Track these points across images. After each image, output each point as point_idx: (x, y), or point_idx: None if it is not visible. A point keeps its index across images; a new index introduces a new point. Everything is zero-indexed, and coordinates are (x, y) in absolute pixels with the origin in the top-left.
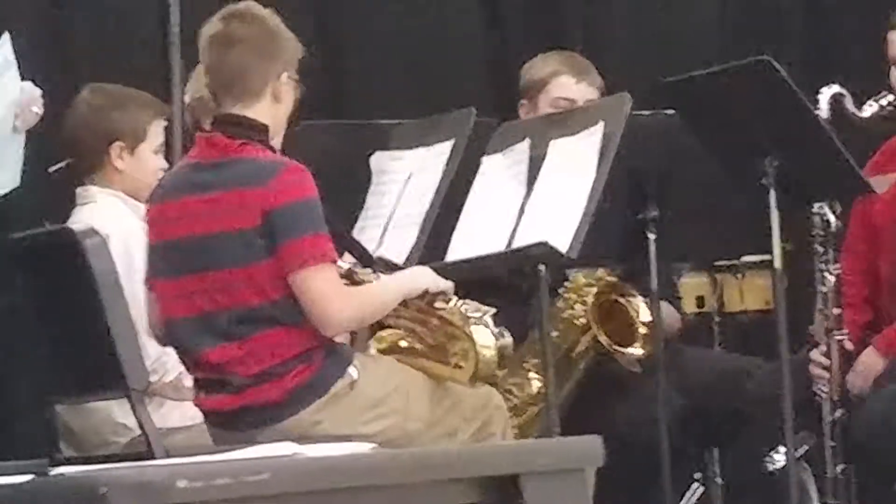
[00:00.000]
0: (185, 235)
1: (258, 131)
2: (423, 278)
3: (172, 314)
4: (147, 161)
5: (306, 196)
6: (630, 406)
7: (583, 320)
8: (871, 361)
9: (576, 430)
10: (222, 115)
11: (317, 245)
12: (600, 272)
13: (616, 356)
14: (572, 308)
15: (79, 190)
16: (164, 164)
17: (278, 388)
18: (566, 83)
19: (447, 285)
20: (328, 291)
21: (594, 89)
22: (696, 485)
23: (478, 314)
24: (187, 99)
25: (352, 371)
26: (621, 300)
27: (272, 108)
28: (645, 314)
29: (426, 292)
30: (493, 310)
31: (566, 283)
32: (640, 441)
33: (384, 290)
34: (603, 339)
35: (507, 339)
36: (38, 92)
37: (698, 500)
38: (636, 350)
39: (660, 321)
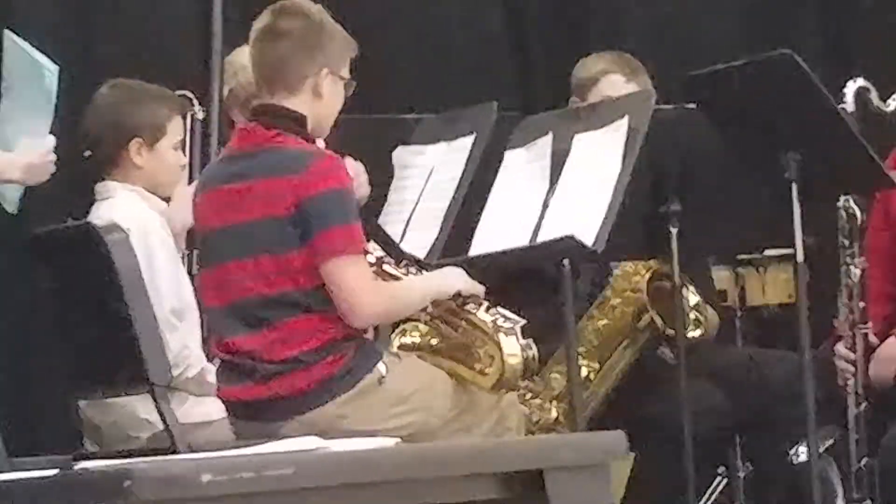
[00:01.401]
0: (222, 225)
1: (295, 121)
2: (456, 280)
3: (210, 303)
4: (166, 157)
5: (340, 186)
6: (657, 399)
7: (633, 307)
8: (893, 351)
9: (604, 422)
10: (262, 105)
11: (349, 235)
12: (651, 261)
13: (670, 338)
14: (621, 296)
15: (98, 185)
16: (184, 160)
17: (306, 377)
18: (616, 81)
19: (479, 289)
20: (359, 283)
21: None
22: (719, 478)
23: (508, 324)
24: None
25: (381, 367)
26: (671, 288)
27: (312, 103)
28: (693, 299)
29: (458, 294)
30: (523, 321)
31: (615, 272)
32: (666, 434)
33: (415, 289)
34: (658, 321)
35: (533, 352)
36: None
37: (721, 492)
38: (693, 332)
39: (687, 308)
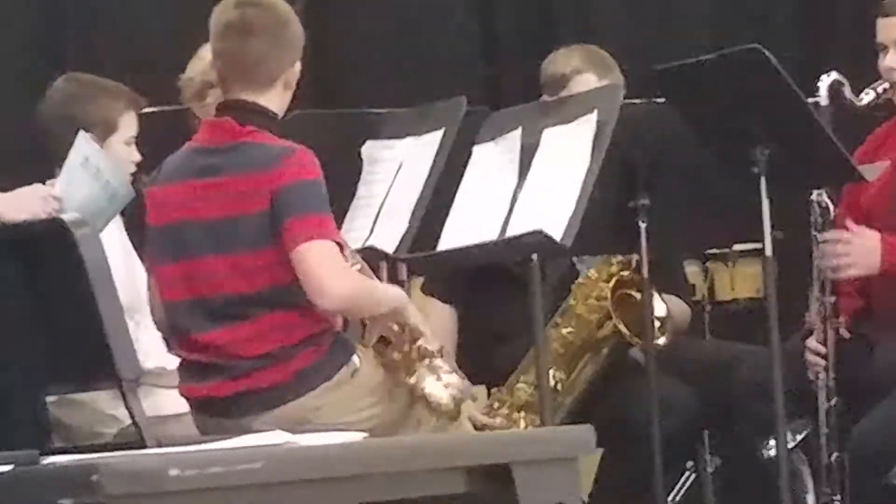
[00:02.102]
0: (187, 219)
1: (268, 118)
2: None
3: (172, 297)
4: (117, 152)
5: (312, 177)
6: (625, 395)
7: (596, 315)
8: (869, 257)
9: (572, 418)
10: (232, 100)
11: (320, 223)
12: (613, 267)
13: (636, 345)
14: (585, 303)
15: (49, 182)
16: (137, 157)
17: (283, 370)
18: (589, 80)
19: (416, 325)
20: (329, 264)
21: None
22: (688, 473)
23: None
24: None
25: (355, 359)
26: (636, 294)
27: (281, 96)
28: (660, 309)
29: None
30: (468, 387)
31: (579, 280)
32: (634, 429)
33: (381, 291)
34: (623, 329)
35: (463, 396)
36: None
37: (690, 488)
38: (659, 340)
39: (651, 309)
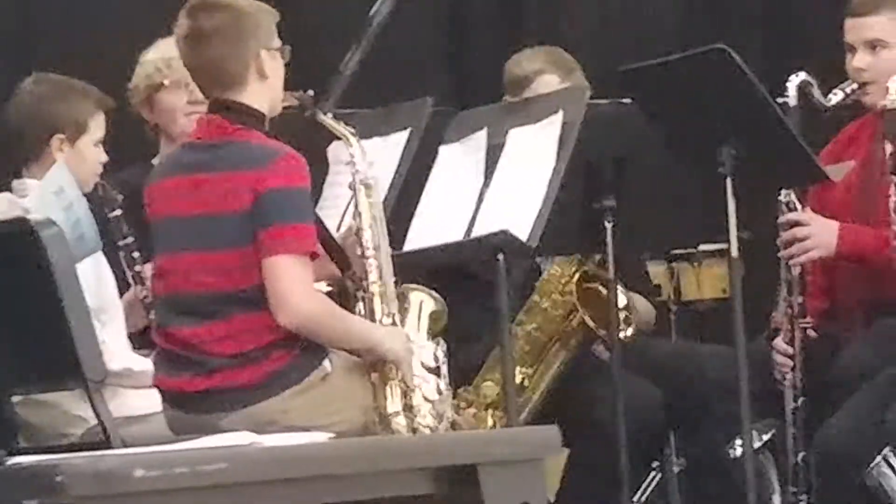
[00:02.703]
0: (171, 215)
1: (255, 118)
2: (396, 346)
3: (157, 291)
4: (87, 154)
5: (298, 184)
6: (590, 395)
7: (562, 310)
8: (827, 236)
9: (538, 418)
10: (220, 99)
11: (299, 234)
12: (575, 264)
13: (602, 338)
14: (550, 298)
15: (15, 183)
16: (105, 158)
17: (255, 371)
18: (550, 82)
19: (409, 365)
20: (295, 281)
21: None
22: (653, 473)
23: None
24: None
25: (326, 363)
26: (600, 288)
27: (262, 86)
28: (622, 300)
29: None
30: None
31: (543, 276)
32: (600, 429)
33: (352, 325)
34: (590, 322)
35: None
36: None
37: (655, 487)
38: (624, 332)
39: (617, 309)
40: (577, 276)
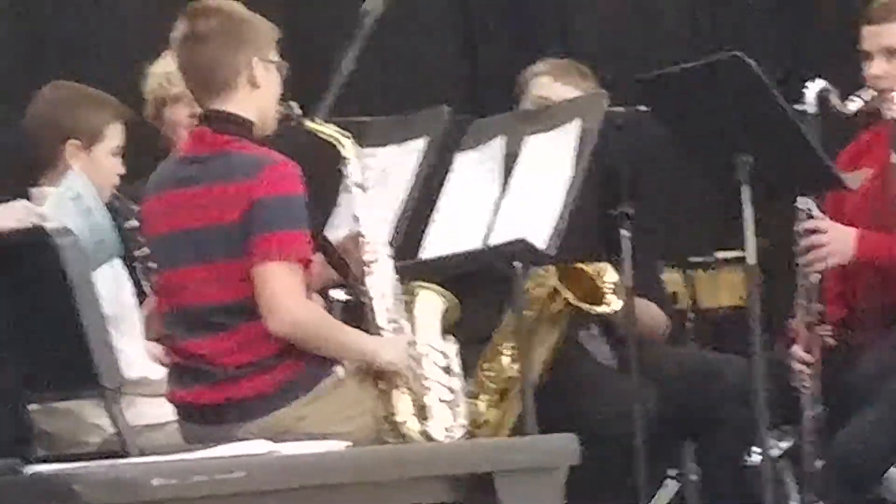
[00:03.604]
0: (172, 229)
1: (243, 127)
2: (392, 355)
3: (162, 307)
4: (102, 162)
5: (290, 192)
6: (604, 402)
7: (548, 287)
8: (844, 243)
9: (551, 426)
10: (208, 110)
11: (290, 242)
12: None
13: (585, 314)
14: (534, 281)
15: (33, 191)
16: (121, 169)
17: (267, 380)
18: (544, 83)
19: (407, 370)
20: (285, 288)
21: (577, 90)
22: (670, 481)
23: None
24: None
25: (339, 370)
26: (582, 265)
27: (252, 96)
28: (611, 275)
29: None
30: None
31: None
32: (614, 437)
33: (344, 336)
34: (569, 295)
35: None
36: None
37: (673, 496)
38: (605, 308)
39: (634, 316)
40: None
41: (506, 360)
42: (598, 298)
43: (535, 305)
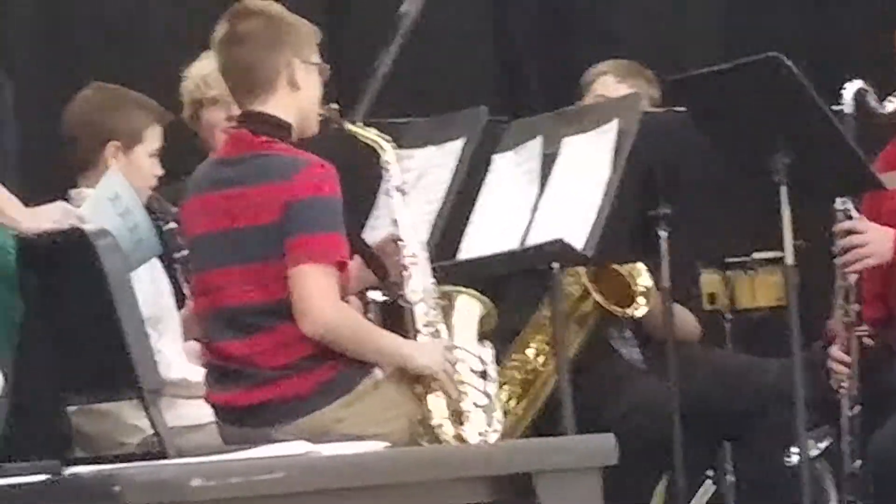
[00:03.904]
0: (209, 231)
1: (281, 129)
2: (429, 360)
3: (199, 308)
4: (141, 164)
5: (326, 194)
6: (641, 404)
7: (579, 287)
8: (882, 244)
9: (587, 428)
10: (246, 112)
11: (325, 244)
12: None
13: (617, 316)
14: (570, 280)
15: (72, 192)
16: (159, 170)
17: (305, 381)
18: (607, 82)
19: (446, 377)
20: (320, 291)
21: (640, 93)
22: (708, 482)
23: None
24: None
25: (377, 371)
26: (614, 266)
27: (291, 97)
28: (645, 278)
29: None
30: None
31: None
32: (652, 439)
33: (380, 340)
34: (599, 297)
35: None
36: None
37: (711, 497)
38: (633, 311)
39: (672, 318)
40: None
41: (531, 352)
42: (628, 301)
43: (566, 303)
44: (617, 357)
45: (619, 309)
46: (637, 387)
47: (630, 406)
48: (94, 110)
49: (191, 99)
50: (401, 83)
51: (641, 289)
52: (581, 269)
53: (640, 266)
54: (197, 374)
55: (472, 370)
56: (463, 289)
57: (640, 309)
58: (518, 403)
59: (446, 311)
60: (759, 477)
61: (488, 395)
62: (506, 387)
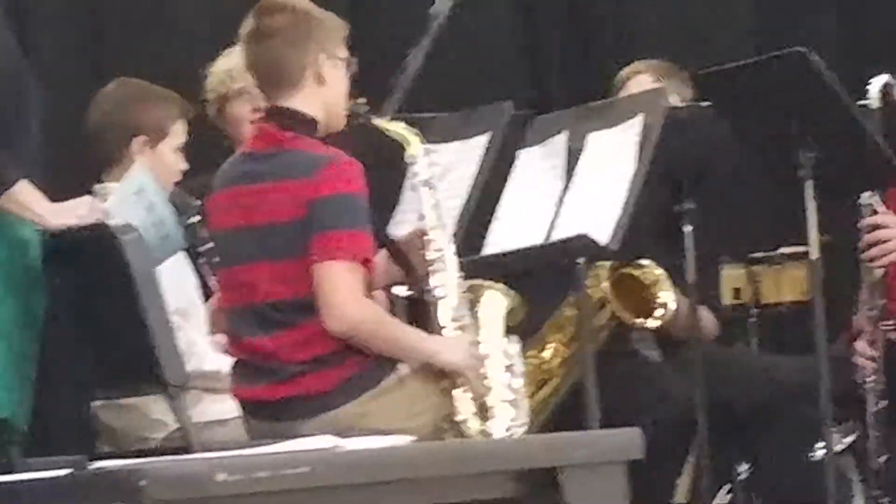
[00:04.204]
0: (235, 226)
1: (307, 124)
2: (455, 356)
3: (225, 304)
4: (167, 158)
5: (351, 191)
6: (660, 401)
7: (599, 293)
8: None
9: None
10: (272, 107)
11: (350, 241)
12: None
13: (635, 328)
14: (592, 283)
15: (97, 187)
16: (184, 165)
17: (330, 377)
18: (643, 81)
19: (473, 373)
20: (344, 287)
21: (675, 93)
22: (733, 477)
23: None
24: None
25: (402, 368)
26: (636, 272)
27: (318, 92)
28: (666, 290)
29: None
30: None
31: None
32: (673, 434)
33: (405, 337)
34: (616, 307)
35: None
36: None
37: (737, 490)
38: (650, 323)
39: (695, 314)
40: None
41: (548, 353)
42: (646, 311)
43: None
44: (637, 356)
45: (635, 319)
46: (656, 384)
47: (650, 403)
48: (120, 105)
49: (216, 93)
50: (426, 78)
51: (660, 300)
52: (603, 275)
53: (664, 277)
54: (229, 365)
55: (498, 365)
56: (490, 282)
57: (654, 322)
58: (532, 401)
59: (472, 306)
60: (784, 471)
61: (514, 390)
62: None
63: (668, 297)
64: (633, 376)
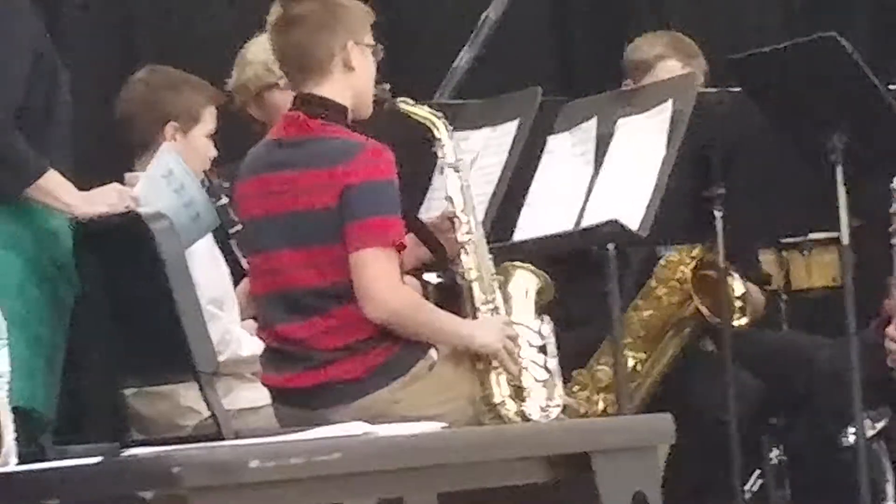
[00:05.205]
0: (265, 213)
1: (336, 111)
2: (490, 338)
3: (255, 291)
4: (198, 144)
5: (383, 177)
6: (701, 386)
7: (677, 297)
8: None
9: (648, 411)
10: (302, 94)
11: (385, 228)
12: (697, 250)
13: (715, 327)
14: (666, 285)
15: (128, 175)
16: (214, 152)
17: (362, 363)
18: (673, 67)
19: (508, 354)
20: (380, 274)
21: (699, 74)
22: (765, 462)
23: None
24: (231, 86)
25: (433, 353)
26: (716, 276)
27: (347, 79)
28: (739, 289)
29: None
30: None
31: (660, 262)
32: (711, 420)
33: (441, 320)
34: (704, 310)
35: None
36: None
37: (767, 477)
38: (739, 321)
39: (727, 299)
40: (694, 263)
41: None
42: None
43: (664, 309)
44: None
45: (719, 321)
46: (708, 370)
47: (694, 387)
48: (151, 92)
49: (258, 83)
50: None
51: (738, 300)
52: (688, 274)
53: (735, 276)
54: None
55: (532, 345)
56: (519, 263)
57: (741, 320)
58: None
59: (503, 287)
60: (816, 456)
61: (548, 370)
62: (580, 392)
63: (741, 289)
64: (696, 369)
